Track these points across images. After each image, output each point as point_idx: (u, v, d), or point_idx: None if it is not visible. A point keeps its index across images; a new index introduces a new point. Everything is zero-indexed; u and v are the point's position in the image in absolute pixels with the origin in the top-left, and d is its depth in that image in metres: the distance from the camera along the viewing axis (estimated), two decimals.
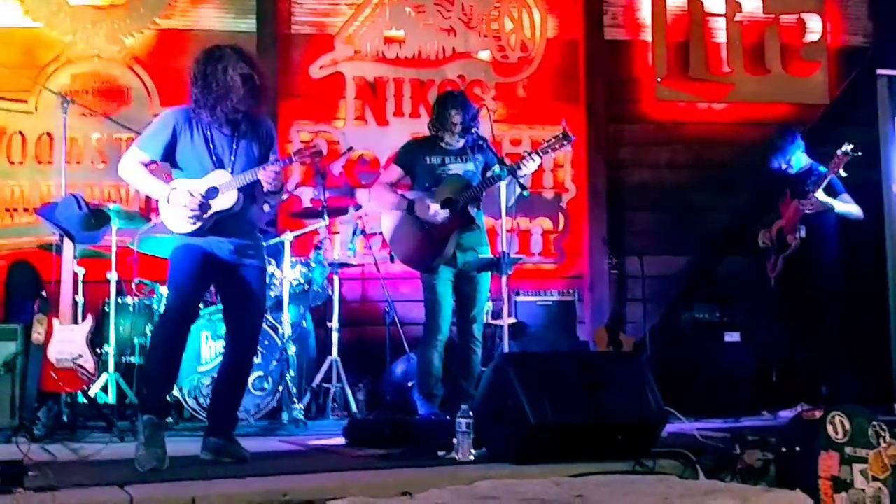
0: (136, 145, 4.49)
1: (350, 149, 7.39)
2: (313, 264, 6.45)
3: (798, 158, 6.66)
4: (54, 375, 5.49)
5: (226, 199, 4.35)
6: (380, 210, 5.95)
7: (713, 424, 5.60)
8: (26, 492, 3.14)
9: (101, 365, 5.83)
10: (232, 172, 4.37)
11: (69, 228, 5.79)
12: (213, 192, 4.32)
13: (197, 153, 4.37)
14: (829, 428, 3.50)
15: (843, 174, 6.33)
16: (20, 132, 7.23)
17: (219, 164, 4.37)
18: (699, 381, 6.71)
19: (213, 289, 6.40)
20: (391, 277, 7.17)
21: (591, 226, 7.92)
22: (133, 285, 6.35)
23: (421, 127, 6.60)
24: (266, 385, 5.93)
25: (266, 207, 6.93)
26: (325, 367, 6.49)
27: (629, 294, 7.83)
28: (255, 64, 4.45)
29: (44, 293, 5.98)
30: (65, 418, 5.51)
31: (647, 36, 8.15)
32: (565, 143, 5.47)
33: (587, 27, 8.06)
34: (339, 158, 7.43)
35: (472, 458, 4.09)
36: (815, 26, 8.27)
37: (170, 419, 5.79)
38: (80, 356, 5.54)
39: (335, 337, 6.51)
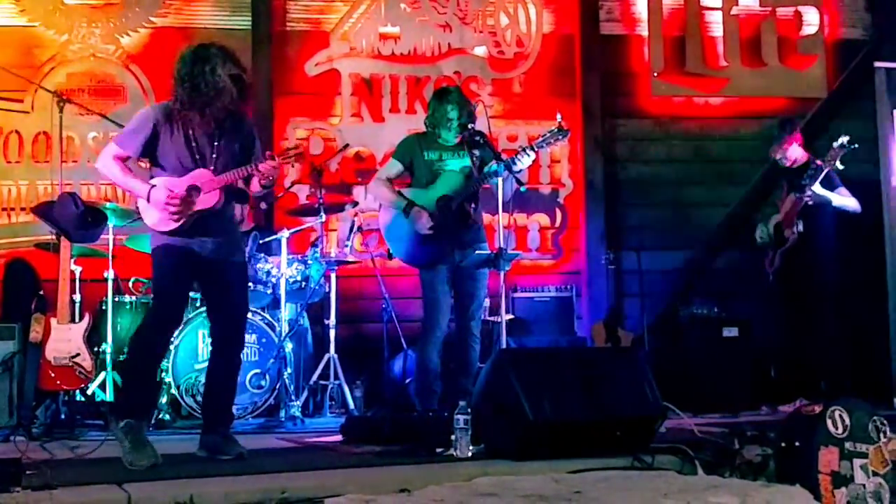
0: (114, 141, 4.43)
1: (346, 146, 7.40)
2: (310, 261, 6.44)
3: (795, 151, 6.64)
4: (52, 374, 5.51)
5: (208, 198, 4.33)
6: (377, 205, 5.93)
7: (712, 420, 5.60)
8: (24, 490, 3.13)
9: (99, 363, 5.83)
10: (214, 171, 4.33)
11: (66, 227, 5.78)
12: (194, 190, 4.30)
13: (178, 151, 4.31)
14: (829, 423, 3.49)
15: (840, 167, 6.33)
16: (16, 131, 7.23)
17: (201, 163, 4.33)
18: (697, 377, 6.71)
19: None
20: (388, 274, 7.15)
21: (588, 221, 7.92)
22: (130, 284, 6.36)
23: (417, 123, 6.58)
24: (263, 382, 5.93)
25: (262, 205, 6.99)
26: (322, 365, 6.48)
27: (627, 289, 7.82)
28: (241, 63, 4.41)
29: (41, 292, 5.98)
30: (63, 416, 5.51)
31: (644, 30, 8.13)
32: (560, 137, 5.47)
33: (583, 22, 8.05)
34: (336, 155, 7.42)
35: (470, 454, 4.08)
36: (812, 19, 8.25)
37: (167, 417, 5.80)
38: (78, 354, 5.55)
39: (332, 334, 6.50)
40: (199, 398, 5.76)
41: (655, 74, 8.07)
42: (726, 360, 6.76)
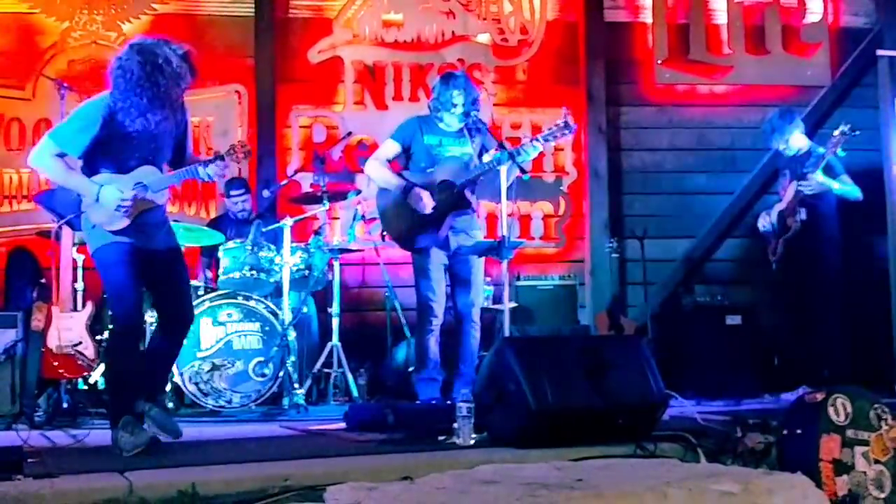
0: (51, 139, 4.21)
1: (349, 133, 7.39)
2: (313, 250, 6.43)
3: (797, 139, 6.62)
4: (54, 362, 5.50)
5: (158, 196, 4.30)
6: (374, 183, 5.91)
7: (714, 408, 5.60)
8: (25, 478, 3.13)
9: (102, 352, 5.81)
10: (156, 164, 4.28)
11: (66, 214, 5.76)
12: (142, 188, 4.21)
13: (123, 148, 4.19)
14: (831, 410, 3.49)
15: (842, 154, 6.30)
16: (18, 119, 7.22)
17: (148, 157, 4.25)
18: (701, 365, 6.71)
19: (210, 273, 6.49)
20: (391, 263, 7.15)
21: (592, 209, 7.90)
22: None
23: (420, 111, 6.56)
24: (267, 371, 5.92)
25: (266, 193, 6.99)
26: (325, 353, 6.48)
27: (630, 278, 7.82)
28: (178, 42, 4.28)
29: (43, 280, 5.98)
30: (65, 405, 5.51)
31: (648, 17, 8.11)
32: (567, 132, 5.45)
33: (587, 9, 8.02)
34: (339, 143, 7.41)
35: (472, 442, 4.07)
36: (815, 7, 8.21)
37: (170, 405, 5.81)
38: (80, 343, 5.55)
39: (336, 322, 6.50)
40: (202, 386, 5.77)
41: (659, 62, 8.05)
42: (729, 347, 6.76)
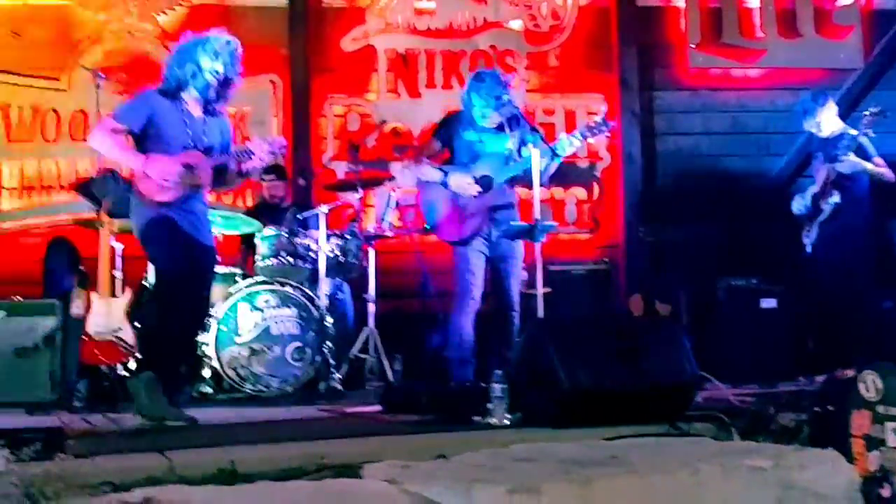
0: (112, 116, 4.62)
1: (383, 122, 7.43)
2: (348, 237, 6.49)
3: (830, 121, 6.59)
4: (94, 349, 5.58)
5: (200, 177, 4.55)
6: (416, 182, 5.96)
7: (749, 390, 5.60)
8: (67, 457, 3.20)
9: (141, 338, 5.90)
10: (204, 152, 4.57)
11: (106, 203, 5.86)
12: (188, 169, 4.49)
13: (173, 131, 4.53)
14: (861, 386, 3.47)
15: (872, 134, 6.27)
16: (54, 110, 7.32)
17: (194, 143, 4.56)
18: (735, 348, 6.68)
19: (247, 260, 6.57)
20: (427, 250, 7.19)
21: (626, 194, 7.90)
22: None
23: (453, 98, 6.59)
24: (304, 356, 5.98)
25: (301, 182, 7.06)
26: (361, 339, 6.54)
27: (665, 262, 7.81)
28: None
29: (82, 268, 6.07)
30: (104, 391, 5.59)
31: (680, 2, 8.10)
32: (605, 129, 5.58)
33: None
34: (373, 132, 7.45)
35: (507, 422, 4.11)
36: None
37: (209, 390, 5.89)
38: (120, 329, 5.63)
39: (371, 308, 6.56)
40: (241, 371, 5.85)
41: (692, 46, 8.03)
42: (764, 331, 6.73)
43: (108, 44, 7.39)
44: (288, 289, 6.10)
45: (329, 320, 6.21)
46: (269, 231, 6.31)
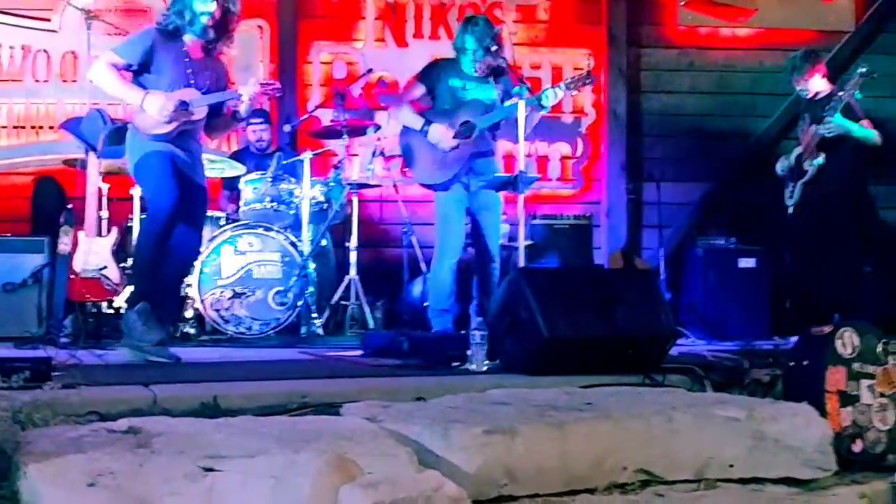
0: (112, 50, 4.73)
1: (369, 70, 7.40)
2: (332, 184, 6.51)
3: (818, 82, 6.61)
4: (80, 286, 5.63)
5: (198, 112, 4.66)
6: (399, 126, 5.95)
7: (725, 347, 5.68)
8: (54, 388, 3.24)
9: (126, 277, 5.92)
10: (202, 91, 4.67)
11: (93, 142, 5.86)
12: (183, 105, 4.59)
13: (171, 69, 4.63)
14: (838, 343, 3.55)
15: (859, 96, 6.30)
16: (45, 50, 7.26)
17: (190, 81, 4.66)
18: (713, 307, 6.77)
19: (232, 206, 6.59)
20: (409, 200, 7.22)
21: (609, 152, 7.93)
22: None
23: (441, 49, 6.58)
24: (286, 300, 6.03)
25: (287, 128, 7.05)
26: (343, 286, 6.59)
27: (646, 220, 7.86)
28: None
29: (70, 206, 6.08)
30: (90, 327, 5.64)
31: None
32: (589, 82, 5.60)
33: None
34: (359, 80, 7.43)
35: (485, 369, 4.18)
36: None
37: (192, 330, 5.94)
38: (105, 267, 5.67)
39: (353, 256, 6.60)
40: (223, 313, 5.90)
41: (682, 3, 8.01)
42: (741, 291, 6.81)
43: None
44: (271, 233, 6.13)
45: (311, 266, 6.25)
46: (254, 176, 6.33)
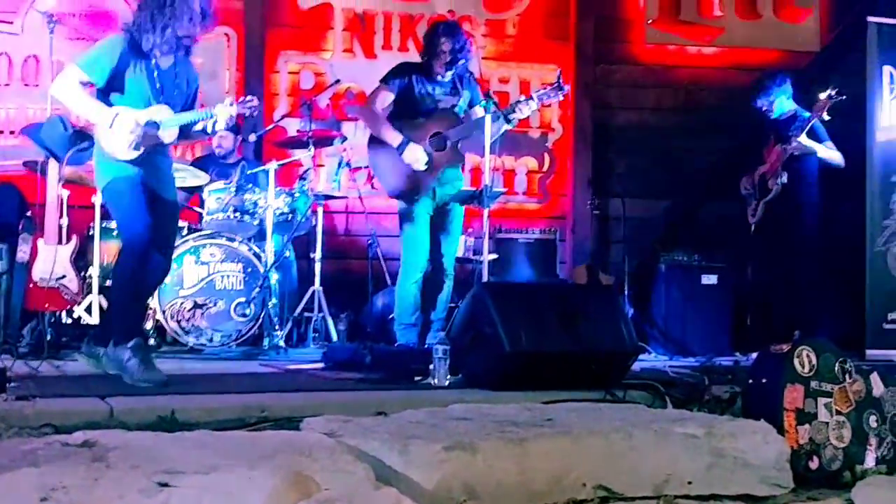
0: (78, 65, 4.35)
1: (337, 81, 7.38)
2: (297, 194, 6.48)
3: (782, 103, 6.68)
4: (39, 295, 5.55)
5: (167, 134, 4.39)
6: (366, 138, 5.90)
7: (686, 363, 5.71)
8: (8, 399, 3.20)
9: (86, 286, 5.87)
10: (171, 105, 4.38)
11: (53, 149, 5.79)
12: (153, 125, 4.32)
13: (139, 83, 4.33)
14: (796, 362, 3.57)
15: (827, 118, 6.37)
16: (6, 53, 7.18)
17: (158, 98, 4.37)
18: (675, 323, 6.82)
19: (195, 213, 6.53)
20: (375, 212, 7.21)
21: (575, 167, 7.96)
22: None
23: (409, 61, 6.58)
24: (248, 311, 5.99)
25: (252, 137, 7.01)
26: (307, 297, 6.56)
27: (611, 235, 7.90)
28: None
29: (29, 213, 6.01)
30: (48, 337, 5.56)
31: None
32: (559, 93, 5.53)
33: None
34: (326, 90, 7.41)
35: (447, 383, 4.17)
36: None
37: (152, 341, 5.88)
38: (65, 276, 5.60)
39: (318, 268, 6.57)
40: (183, 324, 5.84)
41: (650, 21, 8.07)
42: (703, 307, 6.87)
43: None
44: (234, 244, 6.09)
45: (274, 277, 6.22)
46: (218, 185, 6.29)
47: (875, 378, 3.73)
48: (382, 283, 6.93)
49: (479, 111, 5.57)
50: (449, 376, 4.19)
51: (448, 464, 2.81)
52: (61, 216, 5.93)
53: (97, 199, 6.05)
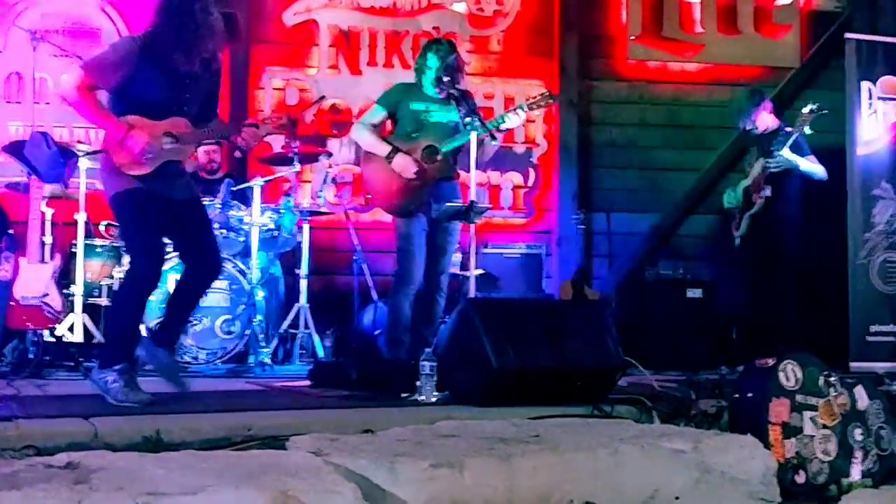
0: (85, 69, 4.15)
1: (322, 97, 7.39)
2: (283, 211, 6.47)
3: (765, 118, 6.73)
4: (21, 313, 5.52)
5: (184, 150, 4.29)
6: (352, 156, 5.92)
7: (672, 377, 5.71)
8: None
9: (69, 305, 5.84)
10: (188, 116, 4.23)
11: (37, 166, 5.78)
12: (170, 139, 4.16)
13: (153, 91, 4.13)
14: (781, 375, 3.59)
15: (808, 131, 6.42)
16: None
17: (176, 107, 4.20)
18: (661, 337, 6.82)
19: None
20: (361, 228, 7.20)
21: (560, 182, 7.98)
22: (101, 227, 6.36)
23: (394, 77, 6.61)
24: (233, 329, 5.97)
25: (236, 153, 7.00)
26: (292, 314, 6.53)
27: (596, 250, 7.92)
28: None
29: (11, 231, 5.98)
30: (30, 356, 5.52)
31: None
32: (551, 101, 5.60)
33: None
34: (311, 107, 7.42)
35: (434, 400, 4.16)
36: None
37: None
38: (47, 295, 5.57)
39: (304, 284, 6.55)
40: None
41: (632, 38, 8.12)
42: (689, 321, 6.89)
43: (46, 6, 7.22)
44: None
45: (260, 294, 6.20)
46: (204, 201, 6.25)
47: (860, 391, 3.75)
48: (368, 299, 6.92)
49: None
50: (436, 393, 4.18)
51: (436, 482, 2.80)
52: (44, 234, 5.90)
53: (81, 217, 6.04)
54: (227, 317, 5.97)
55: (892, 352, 6.83)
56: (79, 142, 6.76)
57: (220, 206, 6.19)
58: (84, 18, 7.26)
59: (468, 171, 5.32)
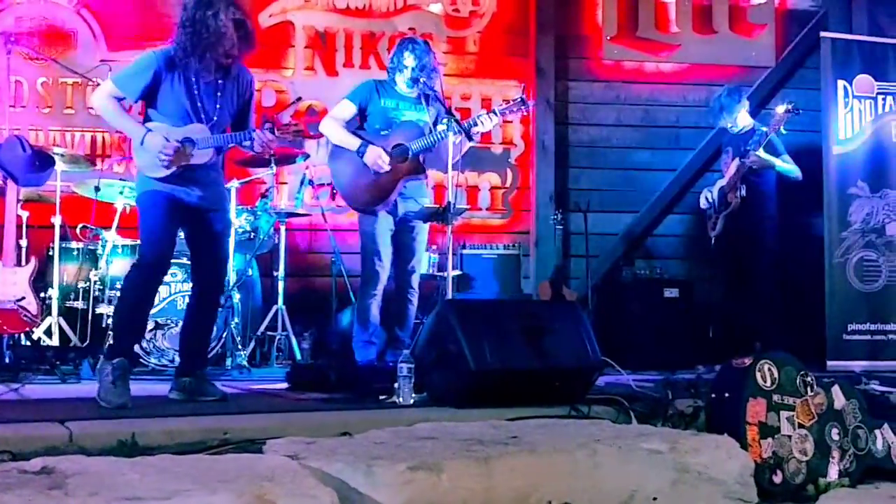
0: (112, 80, 4.39)
1: (298, 99, 7.38)
2: (259, 213, 6.45)
3: (743, 117, 6.77)
4: None
5: (202, 154, 4.34)
6: (327, 152, 5.88)
7: (650, 377, 5.73)
8: None
9: (45, 308, 5.80)
10: (211, 124, 4.35)
11: (12, 170, 5.75)
12: (189, 143, 4.30)
13: (179, 100, 4.32)
14: (758, 375, 3.60)
15: (784, 132, 6.46)
16: None
17: (201, 115, 4.34)
18: (638, 336, 6.85)
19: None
20: (338, 229, 7.19)
21: (538, 182, 7.99)
22: (77, 230, 6.32)
23: (370, 78, 6.57)
24: None
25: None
26: (270, 316, 6.52)
27: (574, 250, 7.92)
28: (245, 8, 4.43)
29: None
30: (7, 360, 5.49)
31: None
32: (524, 107, 5.61)
33: None
34: (288, 108, 7.40)
35: (412, 402, 4.16)
36: None
37: None
38: (23, 298, 5.54)
39: (281, 286, 6.53)
40: (144, 345, 5.78)
41: (608, 38, 8.13)
42: (666, 320, 6.92)
43: (20, 9, 7.16)
44: None
45: (237, 297, 6.17)
46: None
47: (836, 391, 3.77)
48: (346, 301, 6.90)
49: (443, 127, 5.57)
50: (414, 395, 4.18)
51: (413, 484, 2.79)
52: (20, 237, 5.86)
53: (57, 220, 6.01)
54: None
55: (869, 351, 6.90)
56: (54, 143, 6.75)
57: None
58: (59, 21, 7.20)
59: (445, 172, 5.32)
